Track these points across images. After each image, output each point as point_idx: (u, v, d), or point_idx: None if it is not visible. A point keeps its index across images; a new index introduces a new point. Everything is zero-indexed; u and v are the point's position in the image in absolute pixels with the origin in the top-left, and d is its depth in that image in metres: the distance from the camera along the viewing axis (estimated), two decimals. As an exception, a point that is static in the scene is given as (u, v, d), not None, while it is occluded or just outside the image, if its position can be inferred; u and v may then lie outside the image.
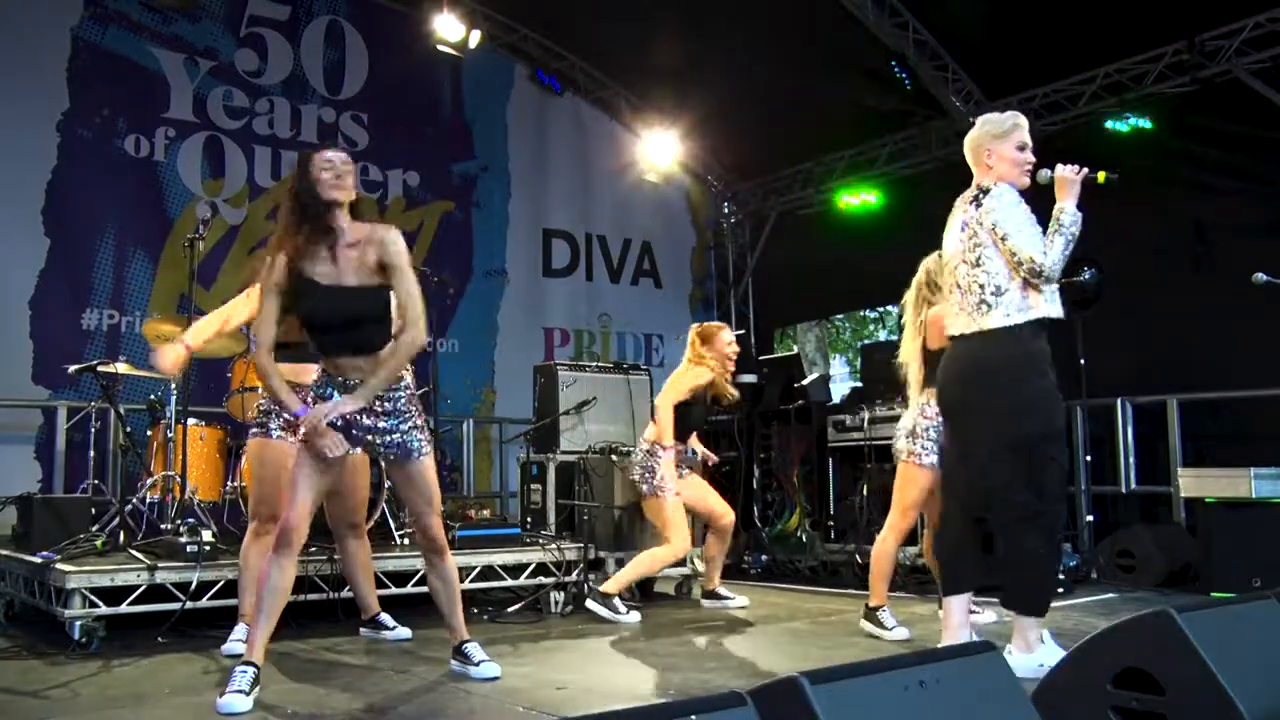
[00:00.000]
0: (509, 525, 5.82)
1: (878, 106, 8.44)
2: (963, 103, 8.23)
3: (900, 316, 4.64)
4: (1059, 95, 7.78)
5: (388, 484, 5.11)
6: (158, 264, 7.82)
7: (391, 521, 5.41)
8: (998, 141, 3.59)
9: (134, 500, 5.19)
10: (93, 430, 6.41)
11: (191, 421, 5.13)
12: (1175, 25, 6.88)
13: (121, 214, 7.74)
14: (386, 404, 3.39)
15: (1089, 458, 6.62)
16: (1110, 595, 5.63)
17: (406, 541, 5.17)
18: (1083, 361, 6.20)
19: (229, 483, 5.37)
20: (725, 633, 4.64)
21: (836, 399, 7.45)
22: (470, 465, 8.84)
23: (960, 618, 3.63)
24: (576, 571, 5.25)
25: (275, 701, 3.22)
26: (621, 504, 5.53)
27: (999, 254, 3.47)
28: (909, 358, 4.47)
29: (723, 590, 5.41)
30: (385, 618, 4.41)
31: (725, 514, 5.37)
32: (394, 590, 4.74)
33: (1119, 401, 6.93)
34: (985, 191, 3.54)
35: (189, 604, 4.22)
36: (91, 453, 6.36)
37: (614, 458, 5.62)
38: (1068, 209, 3.46)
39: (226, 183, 8.22)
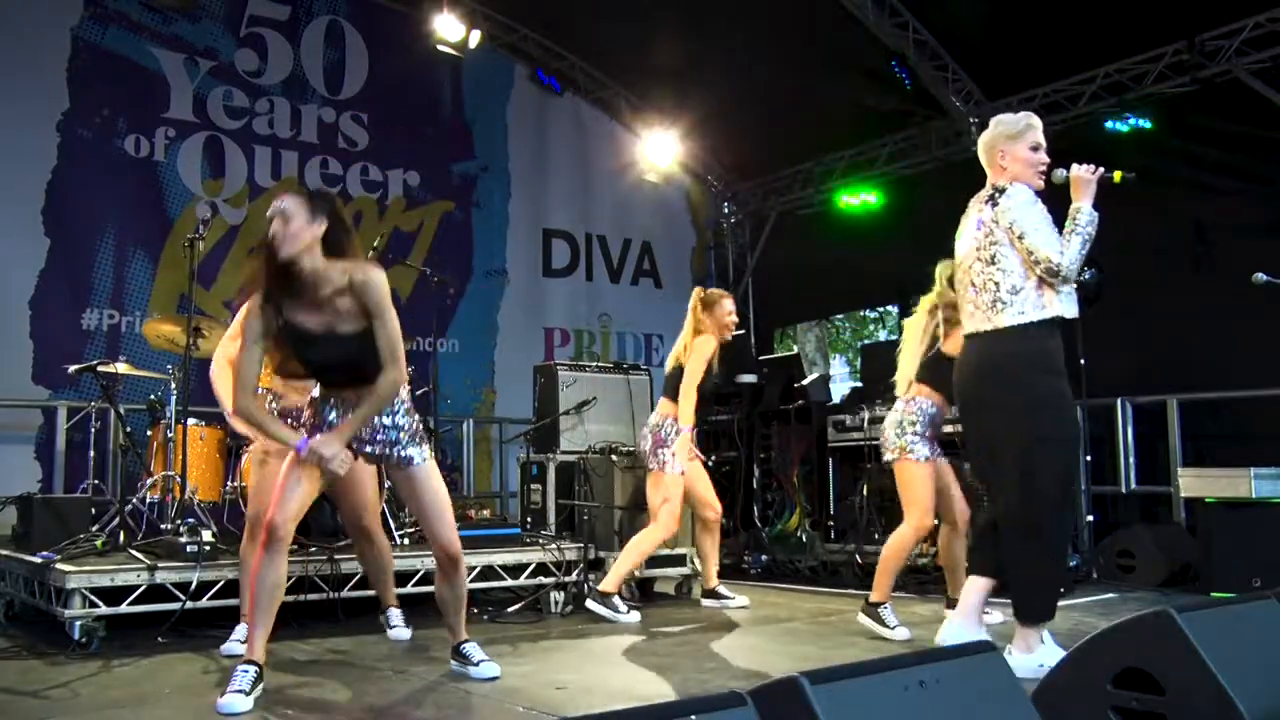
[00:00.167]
0: (509, 525, 5.81)
1: (878, 106, 8.45)
2: (963, 103, 8.24)
3: (900, 315, 4.66)
4: (1059, 95, 7.78)
5: (387, 484, 5.10)
6: (158, 264, 7.83)
7: (391, 521, 5.41)
8: (1011, 142, 3.59)
9: (134, 500, 5.19)
10: (93, 430, 6.41)
11: (191, 421, 5.12)
12: (1175, 25, 6.88)
13: (121, 214, 7.75)
14: (385, 418, 3.42)
15: (1089, 458, 6.61)
16: (1110, 595, 5.62)
17: (406, 541, 5.17)
18: (1083, 361, 6.20)
19: (229, 483, 5.37)
20: (725, 633, 4.64)
21: (836, 399, 7.45)
22: (470, 465, 8.85)
23: (974, 600, 3.63)
24: (576, 571, 5.25)
25: (275, 701, 3.22)
26: (622, 504, 5.53)
27: (1015, 253, 3.46)
28: (907, 356, 4.48)
29: (723, 589, 5.40)
30: (394, 615, 4.41)
31: (715, 506, 5.36)
32: (395, 590, 4.72)
33: (1119, 401, 6.92)
34: (1001, 191, 3.53)
35: (189, 604, 4.21)
36: (91, 453, 6.37)
37: (614, 458, 5.62)
38: (1084, 209, 3.46)
39: (226, 183, 8.22)
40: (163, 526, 4.98)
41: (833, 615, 5.08)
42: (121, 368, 5.26)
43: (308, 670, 3.75)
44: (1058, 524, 3.54)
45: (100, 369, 5.13)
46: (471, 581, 5.00)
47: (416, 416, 3.52)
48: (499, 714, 3.14)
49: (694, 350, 5.10)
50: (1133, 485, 6.94)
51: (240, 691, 3.09)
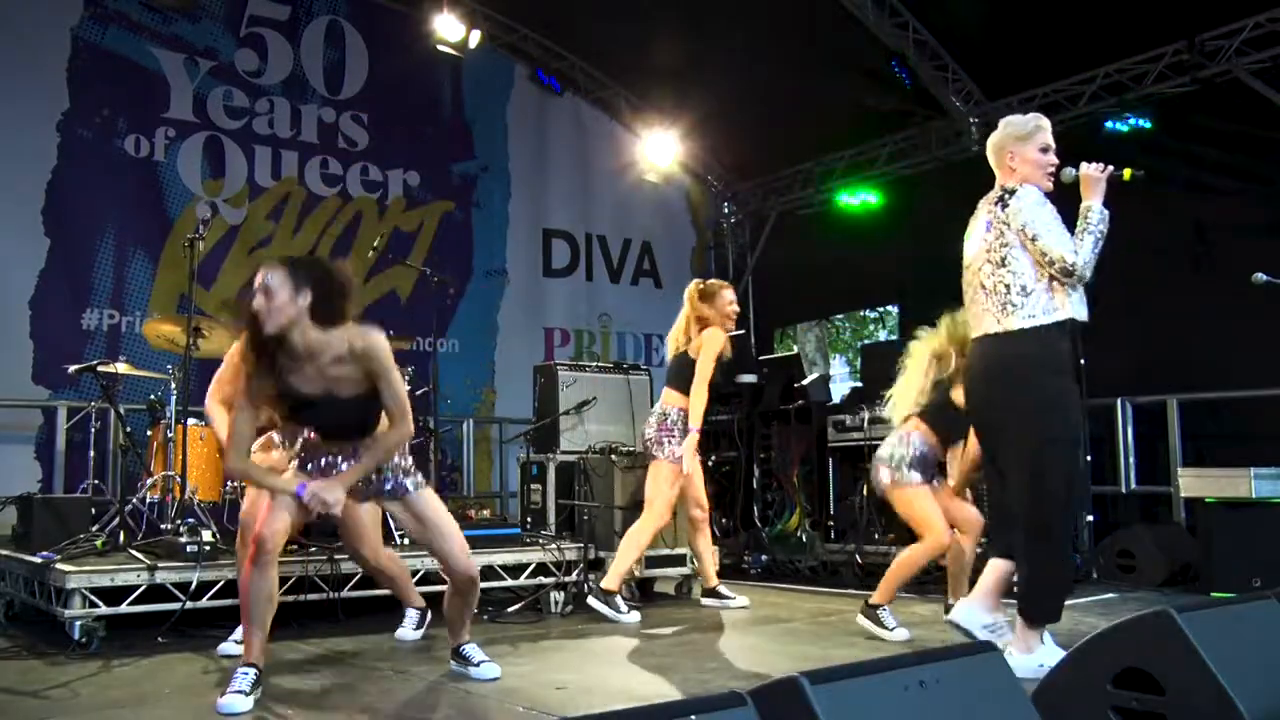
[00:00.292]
0: (509, 525, 5.81)
1: (878, 106, 8.45)
2: (963, 103, 8.24)
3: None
4: (1059, 95, 7.78)
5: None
6: (158, 264, 7.83)
7: (392, 521, 5.40)
8: (1020, 143, 3.59)
9: (134, 500, 5.18)
10: (93, 430, 6.41)
11: (191, 421, 5.12)
12: (1175, 25, 6.88)
13: (121, 214, 7.75)
14: None
15: (1089, 458, 6.60)
16: (1110, 595, 5.62)
17: (406, 541, 5.16)
18: (1083, 361, 6.18)
19: (229, 483, 5.36)
20: (725, 633, 4.64)
21: (836, 399, 7.44)
22: (470, 465, 8.85)
23: (989, 582, 3.60)
24: (576, 571, 5.25)
25: (275, 701, 3.22)
26: (622, 504, 5.53)
27: (1025, 254, 3.45)
28: (906, 388, 4.44)
29: (723, 589, 5.39)
30: (411, 615, 4.41)
31: (704, 505, 5.34)
32: (416, 590, 4.72)
33: (1119, 401, 6.92)
34: (1010, 193, 3.52)
35: (189, 604, 4.21)
36: (91, 453, 6.36)
37: (614, 458, 5.62)
38: (1095, 207, 3.45)
39: (226, 183, 8.22)
40: (163, 526, 4.98)
41: (833, 615, 5.08)
42: (121, 368, 5.26)
43: (308, 670, 3.75)
44: (1066, 525, 3.54)
45: (100, 369, 5.13)
46: (471, 581, 5.00)
47: (410, 456, 3.55)
48: (499, 714, 3.15)
49: (705, 345, 5.05)
50: (1133, 485, 6.94)
51: (240, 692, 3.09)
